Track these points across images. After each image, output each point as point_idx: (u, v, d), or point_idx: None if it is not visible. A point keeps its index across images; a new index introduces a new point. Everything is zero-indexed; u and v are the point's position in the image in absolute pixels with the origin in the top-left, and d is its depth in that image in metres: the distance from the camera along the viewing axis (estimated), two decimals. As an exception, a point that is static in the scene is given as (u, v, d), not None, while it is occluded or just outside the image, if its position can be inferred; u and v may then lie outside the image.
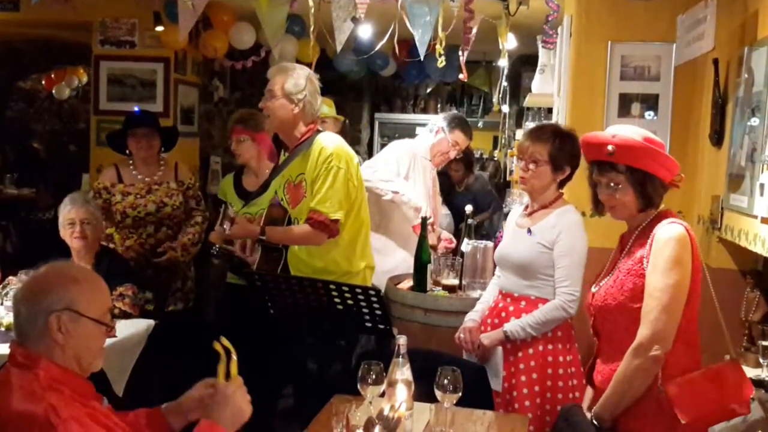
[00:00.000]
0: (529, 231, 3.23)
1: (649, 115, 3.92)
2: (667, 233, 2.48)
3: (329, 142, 3.62)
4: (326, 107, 4.75)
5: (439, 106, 10.16)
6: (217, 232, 3.66)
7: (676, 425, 2.40)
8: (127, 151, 4.62)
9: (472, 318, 3.40)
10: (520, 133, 6.45)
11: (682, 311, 2.45)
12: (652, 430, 2.49)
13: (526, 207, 3.37)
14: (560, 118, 4.37)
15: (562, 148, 3.18)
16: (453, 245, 4.55)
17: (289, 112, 3.62)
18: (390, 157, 4.75)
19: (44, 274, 2.16)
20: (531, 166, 3.18)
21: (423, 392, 2.52)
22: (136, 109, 4.84)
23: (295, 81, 3.61)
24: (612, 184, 2.57)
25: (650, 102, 3.93)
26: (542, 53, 5.19)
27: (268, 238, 3.60)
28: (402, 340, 2.46)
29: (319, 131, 3.71)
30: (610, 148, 2.51)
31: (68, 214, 3.93)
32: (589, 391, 2.82)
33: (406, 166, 4.69)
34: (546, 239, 3.17)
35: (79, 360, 2.10)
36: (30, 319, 2.07)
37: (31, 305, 2.08)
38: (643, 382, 2.47)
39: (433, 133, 4.81)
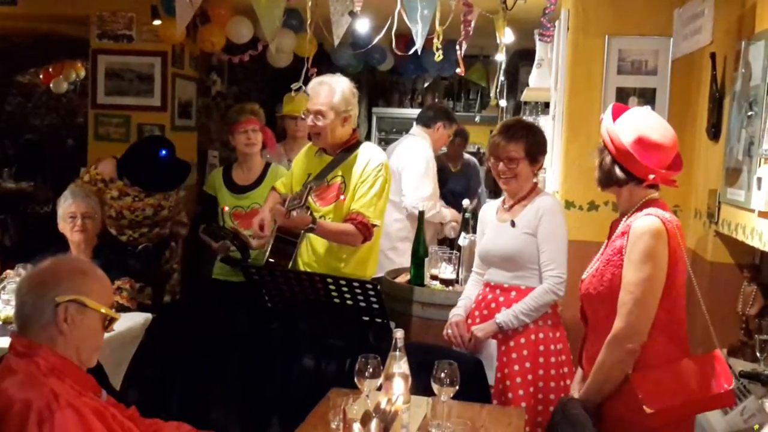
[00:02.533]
0: (513, 223, 3.26)
1: (646, 109, 3.91)
2: (641, 226, 2.53)
3: (377, 153, 3.72)
4: None
5: (436, 100, 10.16)
6: (284, 210, 3.47)
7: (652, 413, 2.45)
8: None
9: (457, 313, 3.42)
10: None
11: (657, 304, 2.51)
12: (632, 416, 2.52)
13: (503, 202, 3.39)
14: (557, 112, 4.37)
15: (535, 142, 3.27)
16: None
17: (339, 127, 3.66)
18: (420, 177, 4.87)
19: (52, 265, 2.19)
20: (510, 165, 3.24)
21: (420, 385, 2.52)
22: (163, 152, 4.76)
23: (343, 97, 3.63)
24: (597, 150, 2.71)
25: (647, 96, 3.93)
26: (539, 47, 5.18)
27: (317, 229, 3.58)
28: (399, 334, 2.47)
29: (359, 141, 3.76)
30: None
31: (69, 207, 3.92)
32: (579, 373, 2.90)
33: (433, 173, 4.99)
34: (530, 227, 3.22)
35: (78, 352, 2.13)
36: (36, 308, 2.09)
37: (39, 295, 2.10)
38: (620, 373, 2.55)
39: (434, 129, 5.14)
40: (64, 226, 3.93)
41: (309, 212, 3.61)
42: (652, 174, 2.57)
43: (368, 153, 3.69)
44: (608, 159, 2.63)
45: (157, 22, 5.77)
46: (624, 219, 2.67)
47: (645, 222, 2.52)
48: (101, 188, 4.50)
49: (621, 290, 2.54)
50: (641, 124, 2.61)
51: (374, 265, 3.84)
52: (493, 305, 3.27)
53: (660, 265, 2.50)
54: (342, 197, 3.63)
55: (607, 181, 2.67)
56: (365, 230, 3.57)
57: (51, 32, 7.82)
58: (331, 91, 3.63)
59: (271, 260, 3.74)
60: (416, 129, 5.30)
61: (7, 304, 3.56)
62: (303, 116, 3.74)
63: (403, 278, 4.27)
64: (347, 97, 3.66)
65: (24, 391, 1.97)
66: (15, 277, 3.66)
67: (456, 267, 4.04)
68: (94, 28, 6.08)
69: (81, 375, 2.14)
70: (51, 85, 9.89)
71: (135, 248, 4.51)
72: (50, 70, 9.78)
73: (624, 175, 2.60)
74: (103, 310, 2.17)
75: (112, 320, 2.21)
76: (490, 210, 3.49)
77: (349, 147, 3.72)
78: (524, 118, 5.63)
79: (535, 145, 3.26)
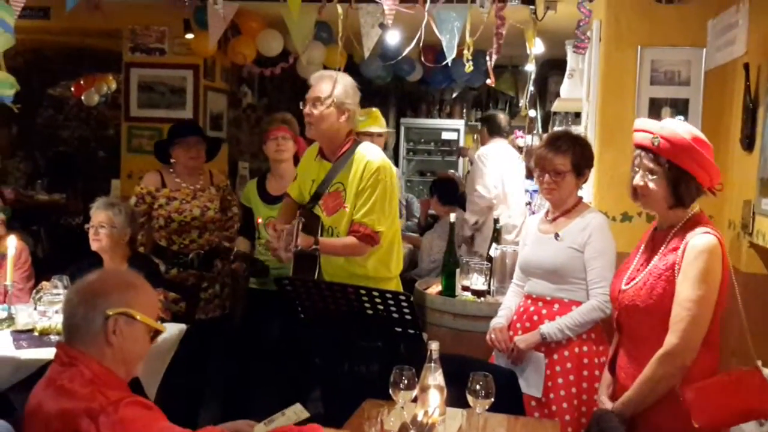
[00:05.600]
0: (557, 236, 3.24)
1: (679, 119, 3.90)
2: (701, 244, 2.52)
3: (374, 155, 3.61)
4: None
5: (464, 110, 10.17)
6: (282, 247, 3.52)
7: (691, 425, 2.46)
8: (171, 160, 4.63)
9: (499, 322, 3.41)
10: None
11: (709, 321, 2.52)
12: (672, 424, 2.55)
13: (547, 213, 3.38)
14: (590, 123, 4.36)
15: (582, 155, 3.26)
16: None
17: (335, 120, 3.59)
18: None
19: (102, 277, 2.23)
20: (556, 177, 3.22)
21: (452, 397, 2.52)
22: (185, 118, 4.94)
23: (344, 89, 3.58)
24: (649, 173, 2.61)
25: (680, 107, 3.92)
26: (571, 58, 5.18)
27: (320, 249, 3.58)
28: (434, 346, 2.47)
29: (358, 141, 3.69)
30: (654, 138, 2.56)
31: (92, 216, 4.00)
32: (607, 377, 2.88)
33: None
34: (577, 242, 3.20)
35: (126, 363, 2.16)
36: (86, 320, 2.12)
37: (90, 307, 2.13)
38: (667, 387, 2.55)
39: None
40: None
41: (318, 227, 3.64)
42: (717, 177, 2.57)
43: (364, 157, 3.59)
44: (675, 174, 2.56)
45: (189, 36, 5.85)
46: (671, 233, 2.64)
47: (704, 240, 2.52)
48: (150, 202, 4.54)
49: (676, 306, 2.52)
50: (688, 128, 2.61)
51: (398, 263, 3.76)
52: (535, 318, 3.26)
53: (716, 283, 2.52)
54: (345, 207, 3.60)
55: (679, 200, 2.60)
56: (369, 240, 3.54)
57: (83, 45, 7.93)
58: (332, 81, 3.58)
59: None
60: None
61: (43, 315, 3.61)
62: (301, 107, 3.66)
63: (434, 289, 4.28)
64: (348, 89, 3.59)
65: (68, 401, 1.99)
66: (51, 288, 3.69)
67: (487, 278, 4.04)
68: (126, 41, 6.17)
69: (122, 386, 2.15)
70: (82, 98, 10.00)
71: (187, 256, 4.53)
72: (81, 82, 9.89)
73: (695, 189, 2.58)
74: (151, 323, 2.19)
75: (158, 333, 2.24)
76: (532, 222, 3.49)
77: (346, 152, 3.64)
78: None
79: (582, 158, 3.25)
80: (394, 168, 3.73)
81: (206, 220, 4.60)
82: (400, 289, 3.73)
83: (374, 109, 5.08)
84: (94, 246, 3.97)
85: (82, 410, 1.96)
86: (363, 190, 3.55)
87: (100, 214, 3.97)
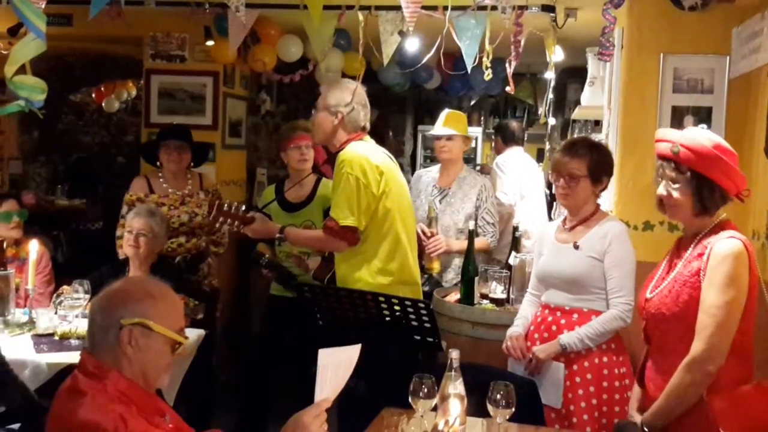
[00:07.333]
0: (576, 246, 3.21)
1: (702, 128, 3.87)
2: (725, 248, 2.47)
3: (349, 149, 3.61)
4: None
5: (482, 118, 10.14)
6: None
7: None
8: (158, 163, 4.74)
9: (515, 330, 3.39)
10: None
11: (737, 327, 2.46)
12: None
13: (564, 222, 3.35)
14: (611, 131, 4.33)
15: (599, 161, 3.22)
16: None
17: (329, 124, 3.66)
18: None
19: (122, 286, 2.19)
20: (571, 183, 3.19)
21: (471, 406, 2.50)
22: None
23: (336, 94, 3.64)
24: (672, 183, 2.58)
25: (703, 115, 3.89)
26: (592, 65, 5.15)
27: (286, 239, 3.67)
28: (455, 354, 2.46)
29: (357, 141, 3.68)
30: (675, 147, 2.54)
31: (130, 222, 4.04)
32: (636, 390, 2.84)
33: None
34: (596, 251, 3.16)
35: (145, 375, 2.12)
36: (103, 329, 2.10)
37: (106, 316, 2.11)
38: (695, 396, 2.49)
39: None
40: (124, 239, 4.03)
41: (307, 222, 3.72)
42: (742, 184, 2.52)
43: (342, 153, 3.61)
44: (698, 182, 2.53)
45: (210, 43, 5.87)
46: (696, 239, 2.60)
47: (729, 244, 2.48)
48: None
49: (701, 312, 2.48)
50: (709, 136, 2.58)
51: (389, 273, 3.59)
52: (553, 327, 3.24)
53: (743, 288, 2.47)
54: None
55: (704, 208, 2.56)
56: (334, 233, 3.50)
57: (104, 52, 7.97)
58: (328, 88, 3.72)
59: (315, 277, 3.96)
60: None
61: (64, 319, 3.62)
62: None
63: (452, 297, 4.26)
64: (340, 95, 3.63)
65: (90, 414, 1.97)
66: (72, 292, 3.71)
67: (506, 286, 4.02)
68: (147, 48, 6.19)
69: (147, 399, 2.12)
70: (103, 104, 10.06)
71: (173, 259, 4.56)
72: (102, 89, 9.95)
73: (719, 197, 2.54)
74: (169, 335, 2.13)
75: (181, 343, 2.19)
76: (548, 230, 3.46)
77: (337, 153, 3.67)
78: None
79: (599, 164, 3.21)
80: (384, 166, 3.61)
81: (194, 226, 4.66)
82: (419, 296, 3.71)
83: (448, 111, 4.83)
84: (130, 252, 4.01)
85: (103, 427, 1.94)
86: (334, 185, 3.58)
87: (140, 221, 4.02)
